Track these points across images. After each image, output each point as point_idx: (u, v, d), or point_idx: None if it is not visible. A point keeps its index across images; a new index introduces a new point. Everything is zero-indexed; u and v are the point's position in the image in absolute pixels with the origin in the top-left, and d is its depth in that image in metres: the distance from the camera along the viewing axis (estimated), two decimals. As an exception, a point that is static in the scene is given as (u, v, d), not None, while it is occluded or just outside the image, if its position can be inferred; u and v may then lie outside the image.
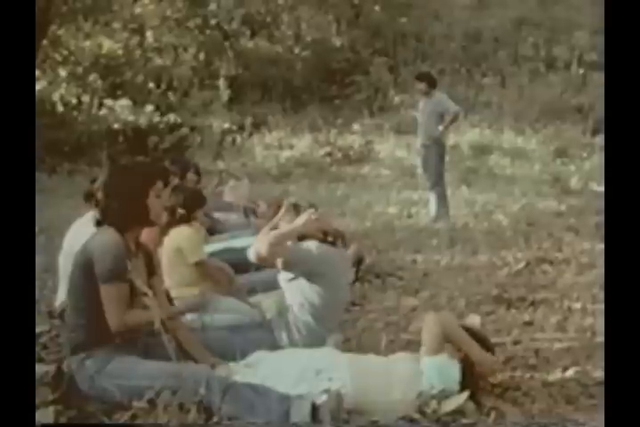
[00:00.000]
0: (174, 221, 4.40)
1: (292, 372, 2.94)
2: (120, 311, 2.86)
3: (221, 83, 17.33)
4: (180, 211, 4.39)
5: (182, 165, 6.45)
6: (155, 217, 3.09)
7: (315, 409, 2.68)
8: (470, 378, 3.08)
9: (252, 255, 3.59)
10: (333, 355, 3.19)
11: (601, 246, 5.92)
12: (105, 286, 2.85)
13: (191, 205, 4.57)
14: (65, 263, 3.99)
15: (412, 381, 3.00)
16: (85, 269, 2.89)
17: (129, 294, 2.93)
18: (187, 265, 4.30)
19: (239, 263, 5.10)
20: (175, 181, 5.39)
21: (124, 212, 2.98)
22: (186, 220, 4.48)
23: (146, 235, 3.25)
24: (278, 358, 3.09)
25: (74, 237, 4.05)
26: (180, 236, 4.36)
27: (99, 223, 3.03)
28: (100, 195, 3.15)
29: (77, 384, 2.90)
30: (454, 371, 3.04)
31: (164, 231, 4.39)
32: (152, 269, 3.21)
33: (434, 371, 3.00)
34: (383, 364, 3.16)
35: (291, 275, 3.66)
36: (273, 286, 4.71)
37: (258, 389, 2.79)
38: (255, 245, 3.56)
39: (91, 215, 3.10)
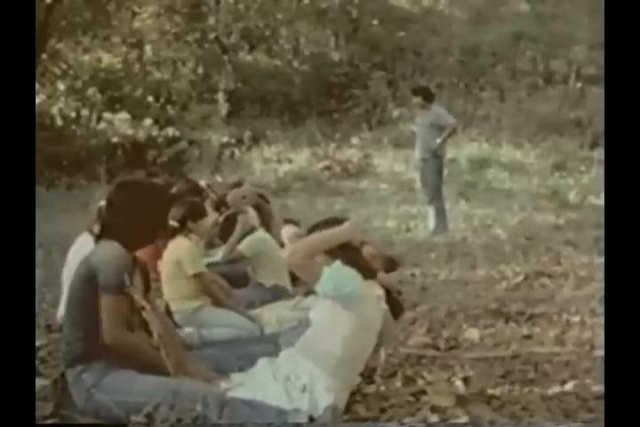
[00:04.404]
0: (173, 233, 4.38)
1: (276, 387, 2.86)
2: (118, 324, 2.81)
3: (220, 96, 17.41)
4: (174, 224, 4.35)
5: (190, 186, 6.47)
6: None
7: (312, 422, 2.67)
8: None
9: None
10: (288, 353, 3.03)
11: (599, 260, 5.92)
12: (107, 296, 2.81)
13: (192, 217, 4.55)
14: (69, 276, 3.97)
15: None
16: (87, 281, 2.86)
17: (128, 309, 2.91)
18: (186, 278, 4.28)
19: (238, 276, 5.10)
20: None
21: (126, 227, 2.97)
22: (185, 232, 4.45)
23: (142, 250, 3.24)
24: (263, 373, 2.99)
25: (79, 250, 4.03)
26: (179, 248, 4.35)
27: (98, 237, 3.02)
28: (104, 208, 3.12)
29: (72, 398, 2.87)
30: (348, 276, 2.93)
31: (164, 244, 4.39)
32: (148, 284, 3.20)
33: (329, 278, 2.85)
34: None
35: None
36: (271, 300, 4.72)
37: (255, 404, 2.77)
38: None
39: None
